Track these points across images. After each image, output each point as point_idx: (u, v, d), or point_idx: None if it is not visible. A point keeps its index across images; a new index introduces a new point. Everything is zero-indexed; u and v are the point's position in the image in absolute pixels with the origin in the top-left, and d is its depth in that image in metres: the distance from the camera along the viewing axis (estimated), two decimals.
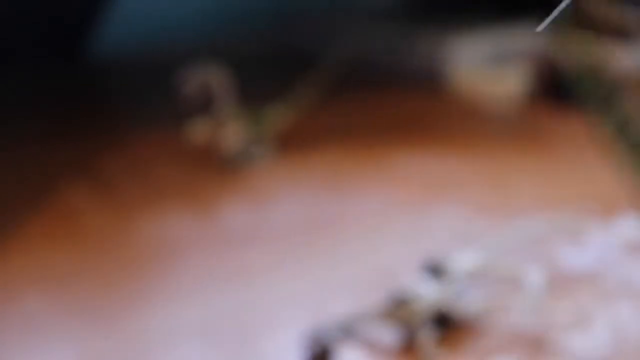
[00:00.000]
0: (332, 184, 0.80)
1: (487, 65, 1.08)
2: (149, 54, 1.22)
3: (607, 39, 1.01)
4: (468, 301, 0.57)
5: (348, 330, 0.55)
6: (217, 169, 0.83)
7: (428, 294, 0.55)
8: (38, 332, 0.56)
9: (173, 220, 0.73)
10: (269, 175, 0.82)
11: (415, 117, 0.99)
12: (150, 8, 1.28)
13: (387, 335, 0.55)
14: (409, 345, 0.55)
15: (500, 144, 0.86)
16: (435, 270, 0.58)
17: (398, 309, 0.55)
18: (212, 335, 0.56)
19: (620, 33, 1.04)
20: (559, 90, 1.00)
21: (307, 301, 0.60)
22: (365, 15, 1.21)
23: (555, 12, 0.31)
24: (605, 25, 1.05)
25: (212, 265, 0.65)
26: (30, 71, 1.15)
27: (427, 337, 0.54)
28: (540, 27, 0.31)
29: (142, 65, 1.19)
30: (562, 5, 0.32)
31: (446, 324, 0.56)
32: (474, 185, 0.77)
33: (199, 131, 0.82)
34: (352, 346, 0.55)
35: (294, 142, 0.90)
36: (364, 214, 0.74)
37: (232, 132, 0.84)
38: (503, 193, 0.74)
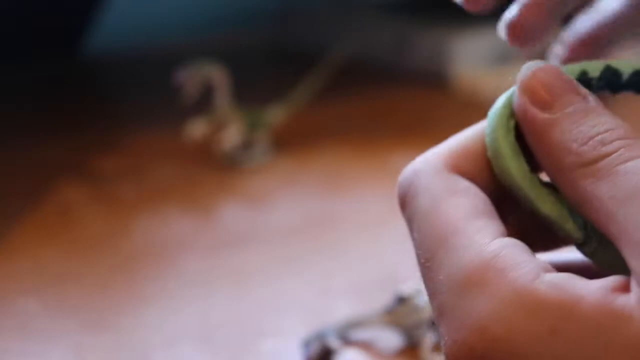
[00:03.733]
0: (332, 184, 0.80)
1: (489, 64, 1.08)
2: (147, 52, 1.22)
3: None
4: None
5: (348, 332, 0.55)
6: (216, 168, 0.83)
7: None
8: (33, 334, 0.56)
9: (171, 221, 0.72)
10: (268, 175, 0.82)
11: (416, 116, 0.98)
12: (148, 5, 1.28)
13: (388, 337, 0.55)
14: (410, 347, 0.54)
15: None
16: None
17: (399, 311, 0.54)
18: (211, 337, 0.55)
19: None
20: None
21: (307, 302, 0.60)
22: (365, 13, 1.21)
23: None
24: None
25: (211, 266, 0.65)
26: (26, 69, 1.15)
27: (428, 339, 0.53)
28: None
29: (140, 64, 1.19)
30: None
31: None
32: None
33: (197, 130, 0.82)
34: (353, 348, 0.54)
35: (293, 142, 0.89)
36: (364, 214, 0.73)
37: (230, 131, 0.83)
38: None
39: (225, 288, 0.62)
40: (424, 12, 1.18)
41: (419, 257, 0.31)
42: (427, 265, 0.30)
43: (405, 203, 0.32)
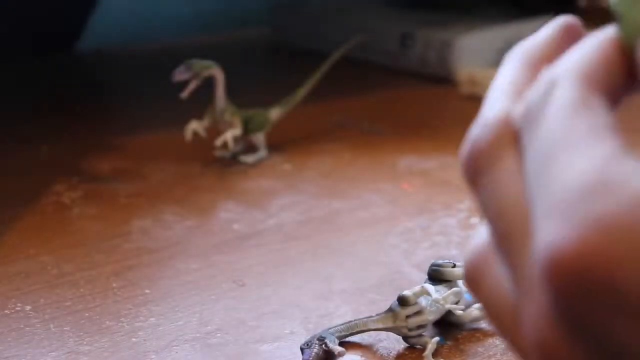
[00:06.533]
0: (332, 184, 0.79)
1: (491, 62, 1.07)
2: (147, 52, 1.22)
3: None
4: (471, 304, 0.55)
5: (349, 333, 0.54)
6: (215, 169, 0.83)
7: (431, 297, 0.54)
8: (29, 337, 0.55)
9: (169, 222, 0.72)
10: (268, 175, 0.81)
11: (417, 115, 0.98)
12: (148, 5, 1.28)
13: (389, 339, 0.54)
14: (411, 349, 0.54)
15: None
16: (438, 273, 0.57)
17: (400, 313, 0.53)
18: (209, 340, 0.55)
19: None
20: None
21: (307, 304, 0.59)
22: (367, 12, 1.21)
23: None
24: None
25: (209, 268, 0.64)
26: (26, 69, 1.15)
27: (429, 341, 0.53)
28: None
29: (140, 63, 1.19)
30: None
31: (449, 328, 0.55)
32: None
33: (196, 130, 0.81)
34: (353, 350, 0.54)
35: (293, 142, 0.89)
36: (364, 214, 0.73)
37: (230, 131, 0.83)
38: None
39: (225, 289, 0.61)
40: (426, 11, 1.18)
41: (539, 152, 0.28)
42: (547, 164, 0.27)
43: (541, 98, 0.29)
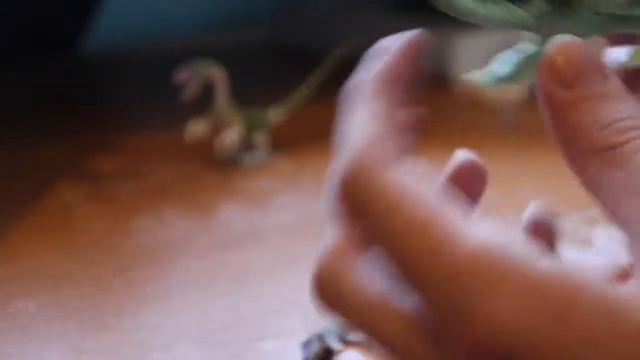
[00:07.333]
0: None
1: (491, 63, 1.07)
2: (147, 52, 1.22)
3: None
4: None
5: (349, 333, 0.54)
6: (216, 168, 0.83)
7: None
8: (32, 335, 0.55)
9: (171, 221, 0.72)
10: (268, 175, 0.82)
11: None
12: (148, 6, 1.28)
13: None
14: None
15: (504, 143, 0.85)
16: None
17: None
18: (210, 338, 0.55)
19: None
20: None
21: (307, 303, 0.59)
22: (367, 12, 1.21)
23: None
24: None
25: (211, 267, 0.64)
26: (26, 69, 1.15)
27: None
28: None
29: (140, 64, 1.19)
30: None
31: None
32: None
33: (197, 130, 0.81)
34: (353, 349, 0.54)
35: (293, 142, 0.89)
36: None
37: (230, 131, 0.83)
38: (507, 192, 0.73)
39: (225, 289, 0.61)
40: (426, 12, 1.18)
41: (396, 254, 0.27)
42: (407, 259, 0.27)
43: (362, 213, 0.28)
